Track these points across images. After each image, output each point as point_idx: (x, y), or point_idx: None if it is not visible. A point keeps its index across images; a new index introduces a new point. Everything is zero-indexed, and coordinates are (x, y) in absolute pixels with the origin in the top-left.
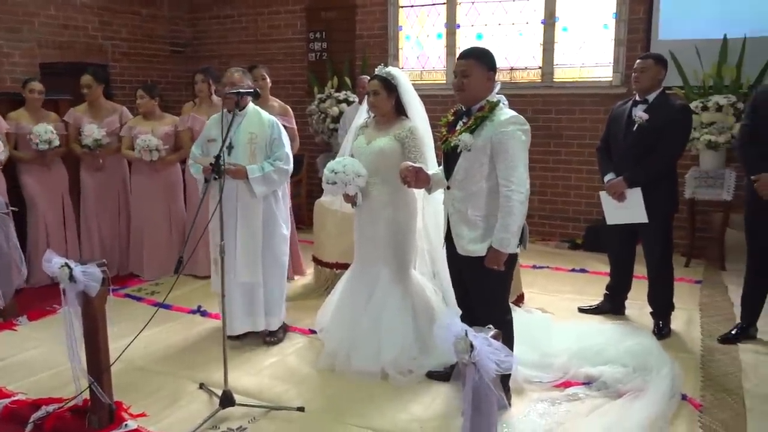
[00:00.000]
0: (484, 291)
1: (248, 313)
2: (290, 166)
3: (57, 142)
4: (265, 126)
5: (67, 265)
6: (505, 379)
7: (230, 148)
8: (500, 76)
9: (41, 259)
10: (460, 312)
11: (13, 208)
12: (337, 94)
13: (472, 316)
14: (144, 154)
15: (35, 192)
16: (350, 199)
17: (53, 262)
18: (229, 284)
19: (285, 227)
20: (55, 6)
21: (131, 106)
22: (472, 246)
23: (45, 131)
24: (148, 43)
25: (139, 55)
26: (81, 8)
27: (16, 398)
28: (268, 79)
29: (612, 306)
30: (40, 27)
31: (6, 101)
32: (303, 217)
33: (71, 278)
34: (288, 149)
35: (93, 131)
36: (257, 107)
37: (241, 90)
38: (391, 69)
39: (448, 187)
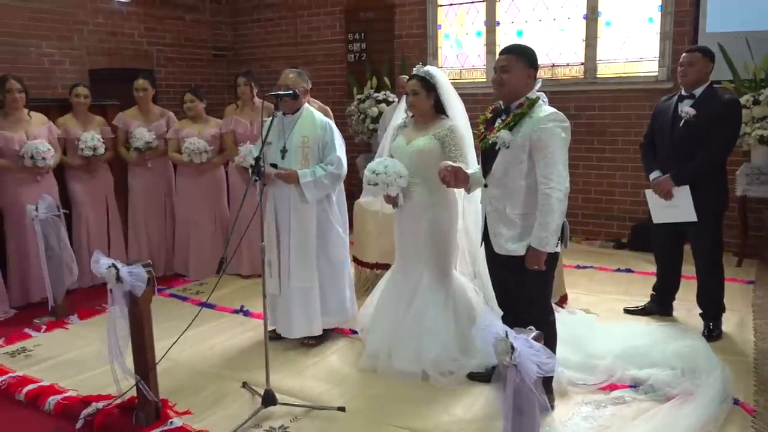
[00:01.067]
0: (525, 291)
1: (306, 317)
2: (343, 171)
3: (102, 150)
4: (318, 129)
5: (114, 265)
6: (547, 381)
7: (284, 151)
8: (541, 73)
9: (84, 261)
10: (501, 313)
11: (63, 210)
12: (376, 95)
13: (513, 316)
14: (194, 157)
15: (80, 195)
16: (392, 200)
17: (101, 263)
18: (286, 288)
19: (341, 230)
20: (104, 14)
21: (175, 110)
22: (510, 245)
23: (91, 138)
24: (191, 48)
25: (182, 60)
26: (128, 16)
27: (67, 395)
28: (309, 81)
29: (659, 307)
30: (89, 35)
31: (56, 107)
32: None
33: (118, 279)
34: (341, 153)
35: (144, 134)
36: (312, 109)
37: (279, 92)
38: (429, 68)
39: (486, 185)
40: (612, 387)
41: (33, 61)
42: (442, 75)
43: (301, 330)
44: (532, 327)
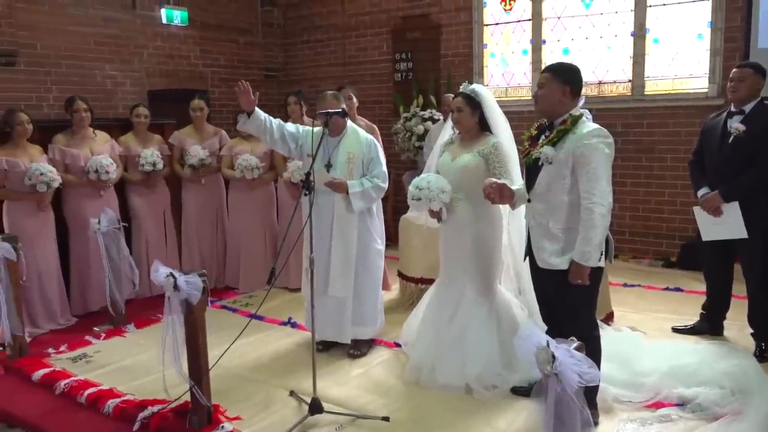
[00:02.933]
0: (569, 305)
1: (337, 325)
2: (386, 184)
3: (161, 166)
4: (363, 146)
5: (172, 274)
6: (590, 395)
7: (329, 166)
8: (587, 91)
9: (143, 272)
10: (545, 327)
11: (123, 224)
12: (422, 113)
13: (557, 331)
14: (246, 173)
15: (140, 209)
16: (436, 215)
17: (160, 272)
18: (321, 295)
19: (380, 242)
20: (162, 38)
21: (228, 129)
22: (553, 259)
23: (151, 154)
24: (244, 69)
25: (235, 81)
26: (185, 39)
27: (125, 398)
28: (355, 99)
29: (709, 326)
30: (149, 57)
31: (118, 126)
32: (389, 234)
33: (175, 287)
34: (384, 168)
35: (198, 152)
36: (356, 127)
37: (330, 110)
38: (475, 86)
39: (530, 200)
40: (658, 405)
41: (97, 83)
42: (487, 92)
43: (332, 335)
44: (574, 338)
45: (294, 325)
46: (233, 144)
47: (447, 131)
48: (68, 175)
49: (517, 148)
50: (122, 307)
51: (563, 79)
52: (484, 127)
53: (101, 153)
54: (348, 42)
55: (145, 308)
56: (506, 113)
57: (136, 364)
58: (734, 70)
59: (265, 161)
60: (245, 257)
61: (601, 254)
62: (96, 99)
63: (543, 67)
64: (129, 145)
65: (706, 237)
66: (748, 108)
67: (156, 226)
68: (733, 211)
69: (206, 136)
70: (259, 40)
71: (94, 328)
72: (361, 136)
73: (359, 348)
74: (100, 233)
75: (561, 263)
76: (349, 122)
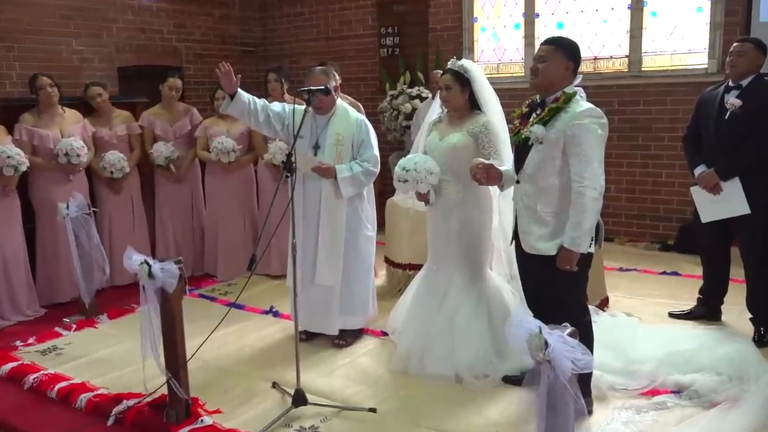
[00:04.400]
0: (556, 292)
1: (323, 315)
2: (377, 168)
3: (127, 169)
4: (353, 126)
5: (146, 262)
6: (584, 383)
7: (316, 148)
8: (583, 67)
9: (112, 261)
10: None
11: (93, 209)
12: (409, 90)
13: (545, 318)
14: (222, 156)
15: (105, 194)
16: (423, 197)
17: (133, 259)
18: (309, 284)
19: (370, 227)
20: (133, 11)
21: (203, 108)
22: (540, 244)
23: (118, 160)
24: (220, 44)
25: (211, 57)
26: (157, 12)
27: (98, 392)
28: (338, 77)
29: (706, 311)
30: (118, 32)
31: (84, 106)
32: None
33: (150, 275)
34: (376, 151)
35: (161, 150)
36: (346, 106)
37: (311, 87)
38: (464, 62)
39: (518, 181)
40: (654, 392)
41: (63, 59)
42: (477, 69)
43: (319, 326)
44: (567, 324)
45: (276, 314)
46: (209, 124)
47: (435, 109)
48: (36, 158)
49: (508, 127)
50: (93, 297)
51: (568, 54)
52: (474, 105)
53: (72, 134)
54: (331, 15)
55: (118, 298)
56: (497, 90)
57: (110, 357)
58: (735, 44)
59: (242, 142)
60: (223, 244)
61: (592, 240)
62: (62, 76)
63: (537, 42)
64: (94, 127)
65: (705, 218)
66: (745, 82)
67: (123, 212)
68: (733, 187)
69: (176, 115)
70: (235, 13)
71: (65, 319)
72: (351, 116)
73: (345, 338)
74: (69, 219)
75: (549, 248)
76: (339, 101)
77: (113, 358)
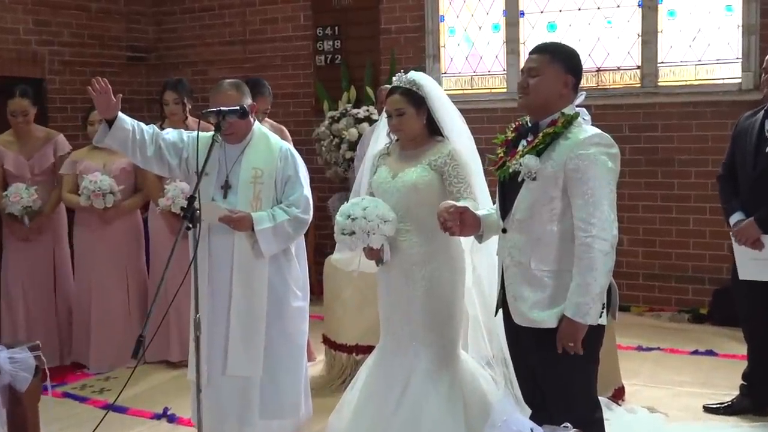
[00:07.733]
0: (559, 381)
1: (239, 419)
2: (309, 216)
3: None
4: (275, 158)
5: None
6: None
7: (227, 188)
8: (583, 81)
9: None
10: (529, 411)
11: None
12: (355, 111)
13: (542, 415)
14: (95, 201)
15: None
16: (374, 255)
17: None
18: (217, 376)
19: (301, 296)
20: None
21: (73, 134)
22: (535, 313)
23: None
24: (98, 49)
25: (86, 65)
26: (9, 5)
27: None
28: (270, 97)
29: (751, 403)
30: None
31: None
32: (311, 284)
33: None
34: (307, 191)
35: (21, 194)
36: (267, 132)
37: (222, 108)
38: (413, 75)
39: (504, 230)
40: None
41: None
42: (431, 82)
43: None
44: (568, 424)
45: (172, 419)
46: (79, 157)
47: (381, 136)
48: None
49: (488, 158)
50: None
51: (566, 65)
52: (433, 130)
53: None
54: (250, 11)
55: None
56: (474, 111)
57: None
58: None
59: (125, 181)
60: (97, 320)
61: (603, 307)
62: None
63: (522, 48)
64: None
65: (744, 275)
66: None
67: None
68: None
69: (34, 144)
70: (119, 8)
71: None
72: (273, 145)
73: None
74: None
75: (547, 319)
76: (257, 125)
77: None
